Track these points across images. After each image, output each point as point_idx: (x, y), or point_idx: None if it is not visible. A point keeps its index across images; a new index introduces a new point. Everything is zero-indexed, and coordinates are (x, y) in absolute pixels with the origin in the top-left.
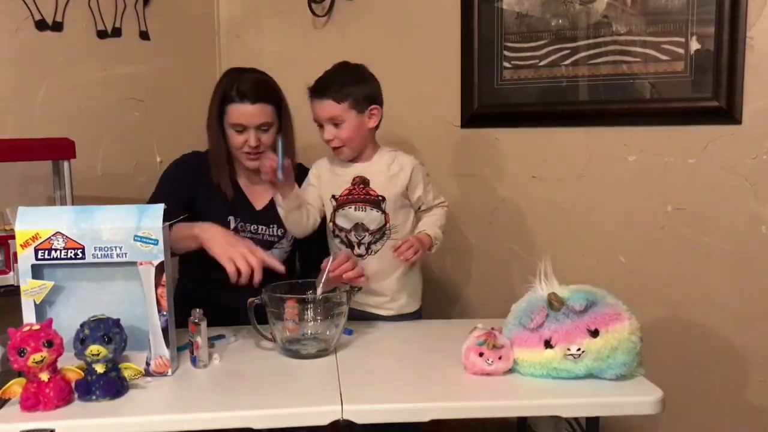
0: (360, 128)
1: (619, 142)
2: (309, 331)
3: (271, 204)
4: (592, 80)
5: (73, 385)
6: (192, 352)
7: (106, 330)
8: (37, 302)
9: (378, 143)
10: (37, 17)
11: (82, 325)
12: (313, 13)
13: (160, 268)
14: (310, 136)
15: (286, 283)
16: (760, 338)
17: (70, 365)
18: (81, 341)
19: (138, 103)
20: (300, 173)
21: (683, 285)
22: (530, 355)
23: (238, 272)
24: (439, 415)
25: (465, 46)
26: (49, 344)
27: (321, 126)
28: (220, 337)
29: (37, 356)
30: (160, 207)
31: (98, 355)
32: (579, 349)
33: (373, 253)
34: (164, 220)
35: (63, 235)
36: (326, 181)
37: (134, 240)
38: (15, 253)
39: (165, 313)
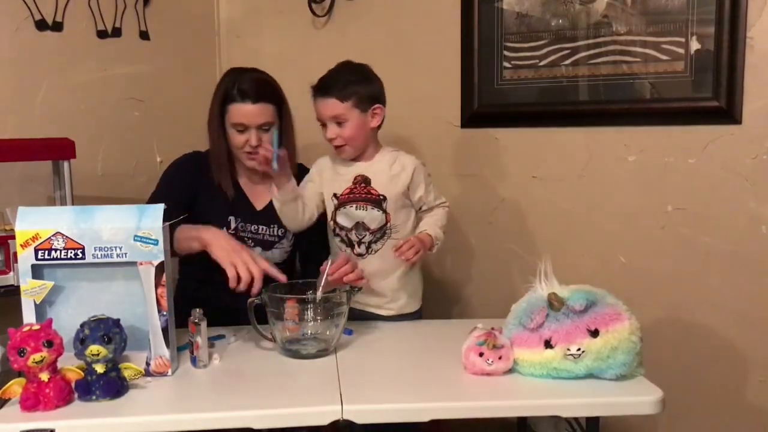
0: (363, 127)
1: (619, 142)
2: (309, 331)
3: (272, 204)
4: (592, 80)
5: (73, 385)
6: (192, 352)
7: (106, 330)
8: (37, 302)
9: (380, 143)
10: (37, 17)
11: (82, 325)
12: (313, 13)
13: (160, 268)
14: (311, 135)
15: (286, 283)
16: (760, 338)
17: (70, 365)
18: (81, 341)
19: (138, 103)
20: (300, 173)
21: (683, 285)
22: (530, 355)
23: (238, 278)
24: (439, 415)
25: (465, 46)
26: (49, 344)
27: (324, 125)
28: (220, 337)
29: (37, 356)
30: (160, 207)
31: (98, 355)
32: (579, 349)
33: (373, 252)
34: (164, 220)
35: (63, 235)
36: (328, 179)
37: (134, 240)
38: (15, 253)
39: (165, 313)
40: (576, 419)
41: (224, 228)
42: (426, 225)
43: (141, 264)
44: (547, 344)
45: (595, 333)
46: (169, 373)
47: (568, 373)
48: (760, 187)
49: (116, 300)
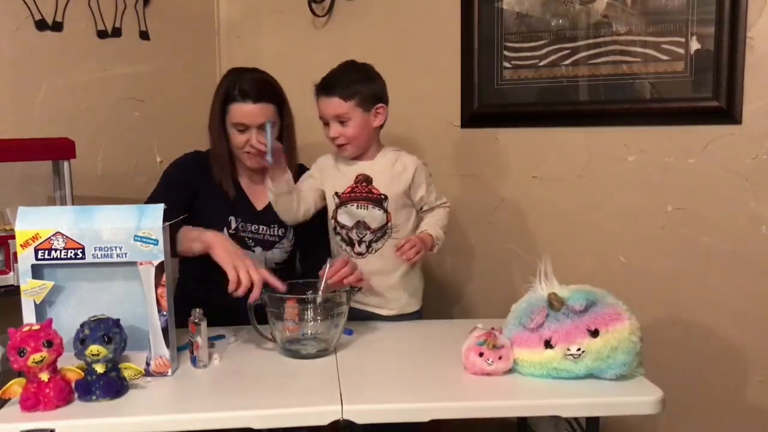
0: (365, 126)
1: (619, 142)
2: (309, 331)
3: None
4: (592, 80)
5: (73, 385)
6: (192, 352)
7: (106, 330)
8: (37, 302)
9: (382, 143)
10: (37, 17)
11: (82, 325)
12: (313, 13)
13: (160, 268)
14: (311, 135)
15: (287, 283)
16: (760, 338)
17: (70, 365)
18: (81, 341)
19: (138, 103)
20: (300, 173)
21: (683, 285)
22: (530, 355)
23: (238, 282)
24: (439, 415)
25: (465, 46)
26: (49, 344)
27: (326, 123)
28: (220, 337)
29: (37, 356)
30: (160, 207)
31: (98, 355)
32: (579, 349)
33: (373, 251)
34: (164, 220)
35: (63, 235)
36: (329, 176)
37: (134, 240)
38: (15, 253)
39: (165, 313)
40: (576, 419)
41: (224, 228)
42: (427, 225)
43: (141, 264)
44: (547, 344)
45: (595, 333)
46: (169, 373)
47: (568, 373)
48: (760, 187)
49: (116, 300)
